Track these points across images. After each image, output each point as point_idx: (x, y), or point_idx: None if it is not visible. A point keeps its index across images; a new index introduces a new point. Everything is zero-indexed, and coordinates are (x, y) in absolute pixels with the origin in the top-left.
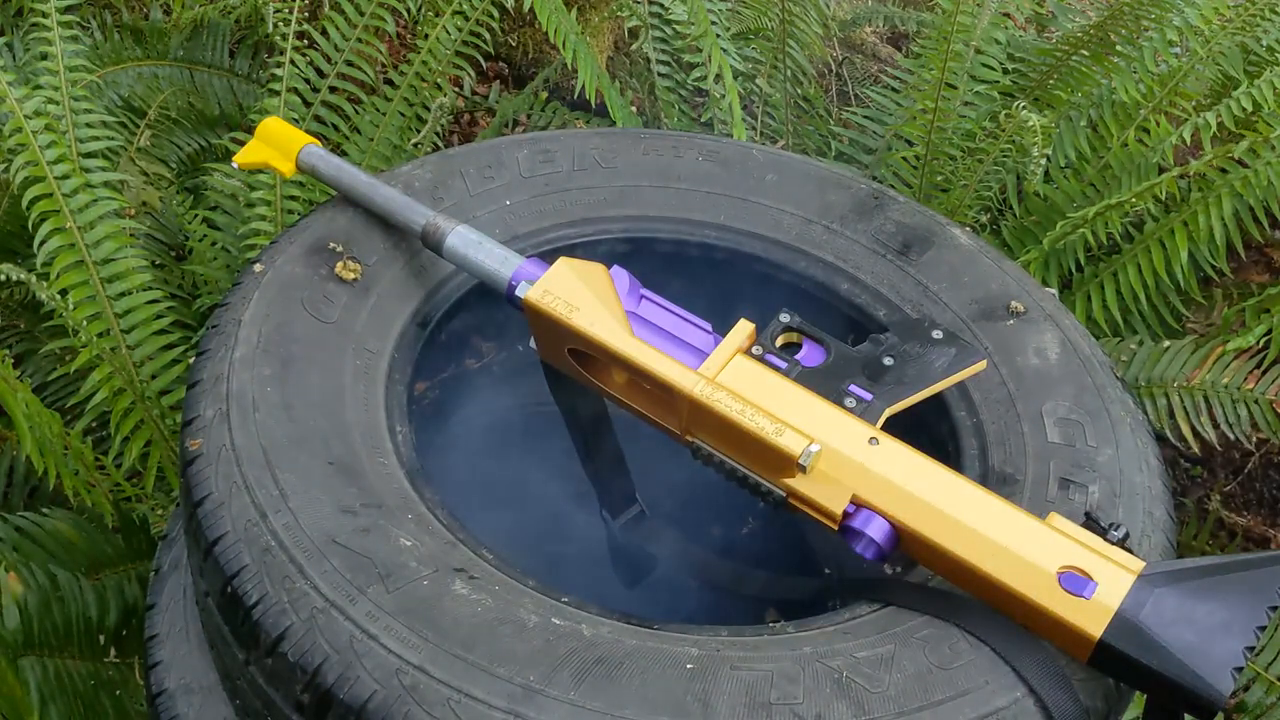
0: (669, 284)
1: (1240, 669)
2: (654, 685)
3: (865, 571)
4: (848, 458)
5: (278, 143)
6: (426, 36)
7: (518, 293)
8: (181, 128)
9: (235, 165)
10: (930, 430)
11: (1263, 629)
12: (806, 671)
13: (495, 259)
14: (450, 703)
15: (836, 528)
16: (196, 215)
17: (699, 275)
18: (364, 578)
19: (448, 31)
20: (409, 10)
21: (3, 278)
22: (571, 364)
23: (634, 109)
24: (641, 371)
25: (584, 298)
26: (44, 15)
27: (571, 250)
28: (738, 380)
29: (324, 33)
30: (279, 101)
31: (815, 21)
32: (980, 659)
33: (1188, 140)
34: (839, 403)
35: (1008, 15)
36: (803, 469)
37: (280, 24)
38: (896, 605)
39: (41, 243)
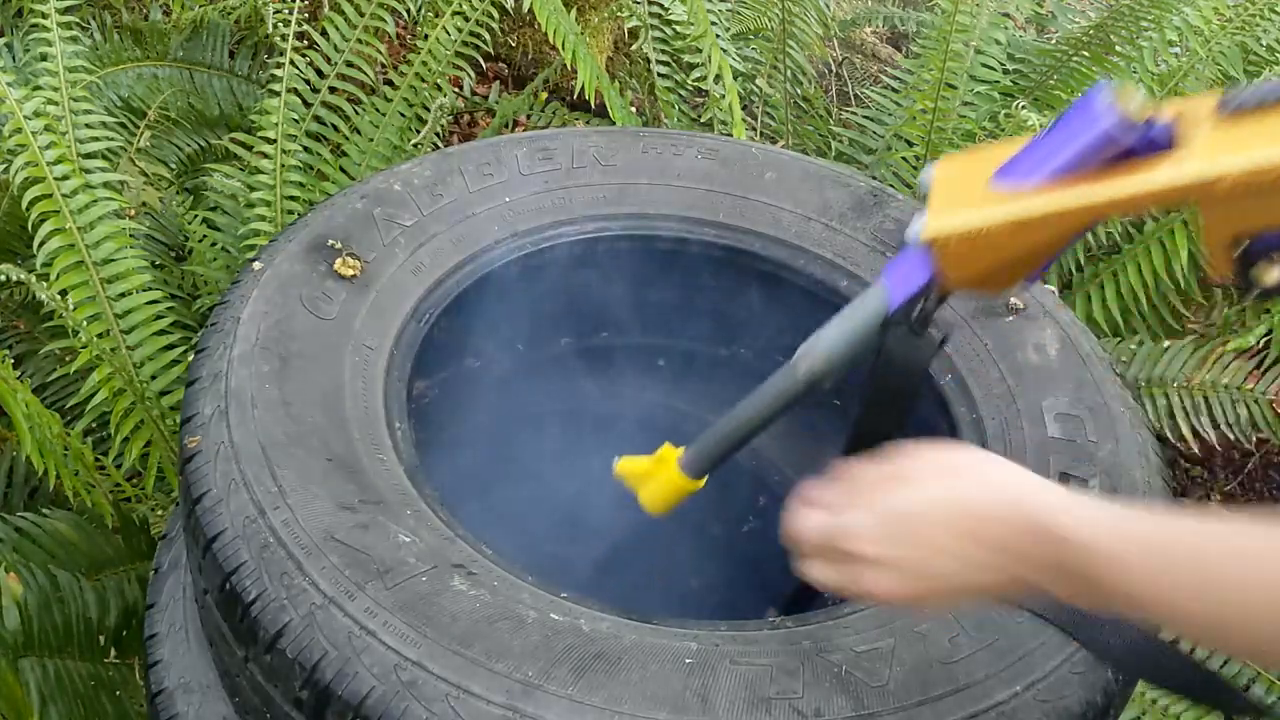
0: (668, 281)
1: None
2: (653, 680)
3: None
4: None
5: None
6: (426, 37)
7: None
8: (181, 128)
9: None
10: (930, 426)
11: None
12: (806, 666)
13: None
14: (449, 698)
15: None
16: (196, 216)
17: (698, 272)
18: (362, 574)
19: (447, 32)
20: (409, 11)
21: (3, 278)
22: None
23: (634, 109)
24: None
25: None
26: (44, 16)
27: (571, 249)
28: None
29: (324, 33)
30: (279, 102)
31: (815, 21)
32: (981, 653)
33: None
34: None
35: (1008, 15)
36: None
37: (280, 24)
38: None
39: (41, 243)
